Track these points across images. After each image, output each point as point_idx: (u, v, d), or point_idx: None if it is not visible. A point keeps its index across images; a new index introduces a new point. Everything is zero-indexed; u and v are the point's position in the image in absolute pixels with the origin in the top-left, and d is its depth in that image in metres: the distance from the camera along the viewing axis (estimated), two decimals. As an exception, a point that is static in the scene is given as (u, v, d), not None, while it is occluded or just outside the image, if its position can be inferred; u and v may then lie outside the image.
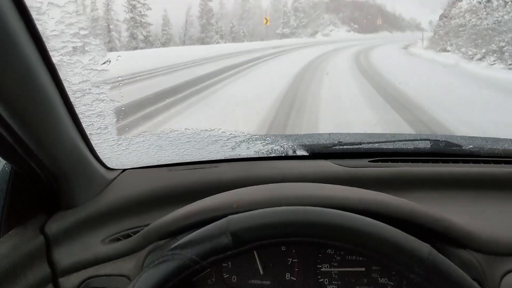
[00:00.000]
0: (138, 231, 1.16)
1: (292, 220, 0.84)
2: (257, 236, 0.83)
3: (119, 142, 1.39)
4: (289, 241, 0.83)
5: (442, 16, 22.39)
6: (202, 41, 45.45)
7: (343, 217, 0.84)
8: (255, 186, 1.10)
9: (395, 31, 63.13)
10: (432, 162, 1.44)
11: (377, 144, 1.58)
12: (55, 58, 0.90)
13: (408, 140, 1.63)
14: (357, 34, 57.77)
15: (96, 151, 1.25)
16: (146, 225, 1.14)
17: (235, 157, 1.48)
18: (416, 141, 1.63)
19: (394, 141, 1.63)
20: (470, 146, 1.51)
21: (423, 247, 0.80)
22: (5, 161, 1.10)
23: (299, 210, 0.86)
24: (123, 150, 1.41)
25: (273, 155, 1.49)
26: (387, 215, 0.95)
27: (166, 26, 42.06)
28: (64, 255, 1.13)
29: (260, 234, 0.83)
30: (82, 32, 0.95)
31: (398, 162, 1.44)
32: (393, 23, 66.13)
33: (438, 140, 1.60)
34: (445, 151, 1.52)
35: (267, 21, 54.54)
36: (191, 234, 0.87)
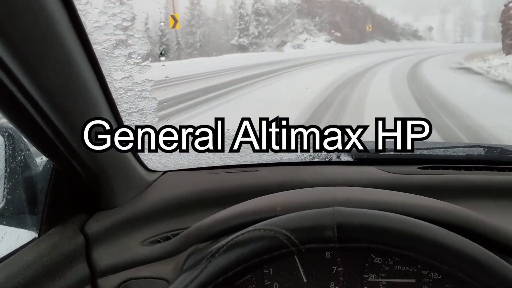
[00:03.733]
0: (178, 234, 1.14)
1: (410, 231, 0.77)
2: (366, 238, 0.77)
3: (160, 143, 1.38)
4: (394, 253, 0.76)
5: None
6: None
7: (462, 243, 0.78)
8: (298, 189, 1.06)
9: (387, 39, 52.55)
10: (486, 170, 1.36)
11: (425, 151, 1.51)
12: (98, 52, 0.89)
13: (459, 147, 1.55)
14: (340, 45, 44.58)
15: (137, 152, 1.24)
16: (186, 228, 1.12)
17: (277, 161, 1.44)
18: (468, 148, 1.54)
19: (444, 148, 1.55)
20: None
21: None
22: (47, 160, 1.10)
23: (422, 225, 0.79)
24: (164, 151, 1.40)
25: (315, 160, 1.44)
26: (448, 224, 0.88)
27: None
28: (103, 256, 1.11)
29: (370, 236, 0.77)
30: (125, 24, 0.93)
31: (449, 169, 1.37)
32: (385, 29, 54.01)
33: (493, 147, 1.52)
34: (500, 158, 1.44)
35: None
36: (291, 214, 0.82)
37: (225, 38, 43.49)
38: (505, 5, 21.65)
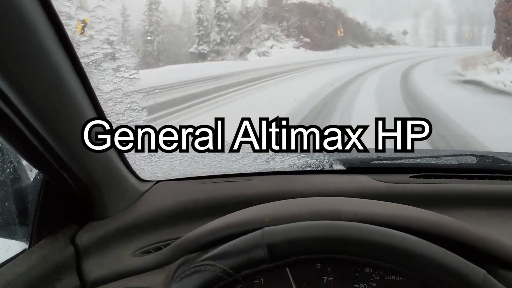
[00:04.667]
0: (169, 244, 1.14)
1: (336, 236, 0.79)
2: (295, 250, 0.78)
3: (152, 153, 1.38)
4: (329, 258, 0.79)
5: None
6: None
7: (394, 236, 0.79)
8: (287, 200, 1.06)
9: (360, 45, 48.34)
10: (478, 179, 1.37)
11: (418, 159, 1.51)
12: (86, 66, 0.89)
13: (451, 156, 1.55)
14: (310, 52, 40.32)
15: (129, 162, 1.24)
16: (177, 238, 1.12)
17: (270, 170, 1.45)
18: (460, 157, 1.55)
19: (436, 156, 1.55)
20: None
21: (477, 272, 0.76)
22: (37, 171, 1.10)
23: (344, 225, 0.81)
24: (156, 161, 1.40)
25: (308, 169, 1.45)
26: (434, 234, 0.89)
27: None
28: (94, 267, 1.11)
29: (299, 249, 0.79)
30: (112, 38, 0.94)
31: (441, 178, 1.37)
32: (357, 34, 49.83)
33: (484, 156, 1.52)
34: (492, 167, 1.45)
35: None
36: (225, 245, 0.84)
37: (188, 46, 38.66)
38: (507, 1, 20.14)
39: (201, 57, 36.51)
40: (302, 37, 43.86)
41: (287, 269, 1.04)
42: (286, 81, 16.75)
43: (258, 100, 11.49)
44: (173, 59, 36.92)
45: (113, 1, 0.91)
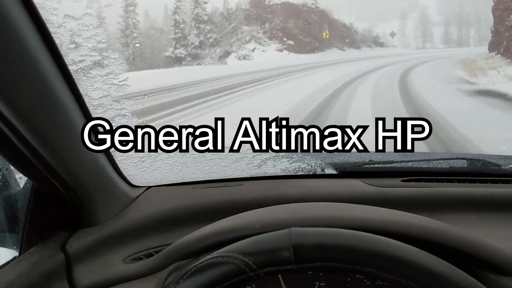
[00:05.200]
0: (160, 250, 1.13)
1: (367, 248, 0.78)
2: (323, 256, 0.77)
3: (143, 159, 1.38)
4: (355, 270, 0.77)
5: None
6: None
7: (427, 258, 0.78)
8: (279, 206, 1.06)
9: (347, 47, 45.27)
10: (469, 182, 1.37)
11: (409, 163, 1.52)
12: (74, 73, 0.89)
13: (442, 159, 1.56)
14: (294, 55, 37.91)
15: (120, 168, 1.24)
16: (169, 244, 1.11)
17: (261, 175, 1.45)
18: (451, 160, 1.55)
19: (427, 160, 1.56)
20: (510, 166, 1.43)
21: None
22: (26, 178, 1.09)
23: (377, 239, 0.80)
24: (147, 167, 1.40)
25: (300, 173, 1.45)
26: (425, 240, 0.89)
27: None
28: (85, 274, 1.11)
29: (328, 255, 0.77)
30: (101, 46, 0.94)
31: (432, 182, 1.38)
32: (344, 36, 46.52)
33: (475, 159, 1.53)
34: (483, 170, 1.45)
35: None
36: (249, 239, 0.83)
37: (166, 50, 36.40)
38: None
39: (178, 61, 34.74)
40: (285, 39, 41.62)
41: (279, 276, 1.04)
42: (261, 91, 14.08)
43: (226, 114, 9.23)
44: (149, 64, 34.28)
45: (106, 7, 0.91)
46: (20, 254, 1.05)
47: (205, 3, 37.26)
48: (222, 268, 0.78)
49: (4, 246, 1.09)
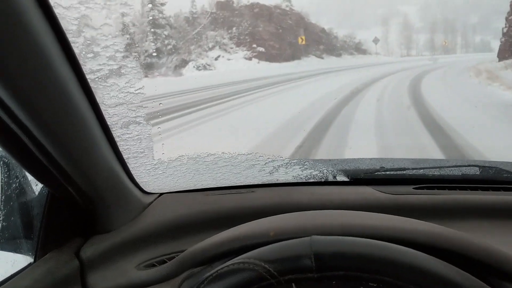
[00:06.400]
0: (174, 257, 1.13)
1: (390, 258, 0.78)
2: (345, 265, 0.77)
3: (156, 166, 1.39)
4: (375, 279, 0.77)
5: None
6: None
7: (447, 269, 0.78)
8: (293, 213, 1.06)
9: (326, 55, 40.51)
10: (482, 190, 1.36)
11: (421, 171, 1.52)
12: (91, 81, 0.90)
13: (454, 166, 1.55)
14: (265, 64, 33.11)
15: (133, 175, 1.25)
16: (182, 251, 1.11)
17: (273, 182, 1.45)
18: (464, 167, 1.54)
19: (439, 167, 1.55)
20: None
21: None
22: (42, 185, 1.10)
23: (400, 249, 0.80)
24: (160, 174, 1.41)
25: (312, 180, 1.45)
26: (442, 249, 0.89)
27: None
28: (99, 280, 1.11)
29: (350, 264, 0.77)
30: (118, 55, 0.95)
31: (445, 189, 1.37)
32: (322, 42, 41.59)
33: (488, 167, 1.52)
34: (495, 178, 1.44)
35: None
36: (270, 246, 0.83)
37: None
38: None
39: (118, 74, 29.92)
40: (255, 45, 36.20)
41: (292, 284, 1.04)
42: (208, 121, 9.62)
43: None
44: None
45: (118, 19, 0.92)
46: (35, 260, 1.07)
47: (162, 4, 32.22)
48: (244, 274, 0.78)
49: (20, 252, 1.10)
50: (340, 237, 0.82)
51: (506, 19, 20.83)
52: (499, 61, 20.65)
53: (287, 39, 38.61)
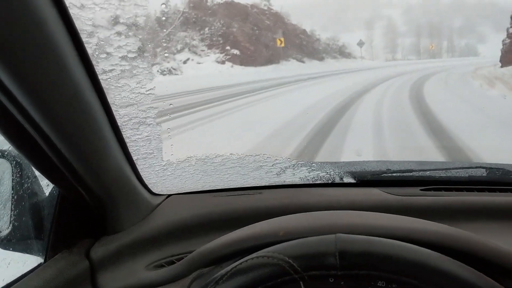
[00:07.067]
0: (182, 258, 1.14)
1: (413, 260, 0.78)
2: (369, 264, 0.77)
3: (165, 167, 1.39)
4: (399, 280, 0.77)
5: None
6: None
7: (469, 272, 0.78)
8: (303, 213, 1.06)
9: (308, 58, 36.95)
10: (489, 191, 1.36)
11: (428, 172, 1.52)
12: (103, 82, 0.91)
13: (461, 168, 1.55)
14: (239, 68, 30.07)
15: (142, 176, 1.25)
16: (191, 252, 1.12)
17: (280, 183, 1.45)
18: (470, 169, 1.54)
19: (446, 169, 1.55)
20: None
21: None
22: (53, 186, 1.11)
23: (423, 252, 0.80)
24: (168, 175, 1.41)
25: (319, 182, 1.45)
26: (455, 249, 0.89)
27: None
28: (109, 281, 1.12)
29: (374, 263, 0.77)
30: (130, 55, 0.96)
31: (452, 191, 1.37)
32: (303, 45, 38.24)
33: (494, 168, 1.52)
34: (502, 179, 1.44)
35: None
36: (294, 241, 0.83)
37: None
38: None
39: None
40: (228, 48, 32.56)
41: (301, 283, 1.04)
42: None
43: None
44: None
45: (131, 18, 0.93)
46: (45, 260, 1.07)
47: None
48: (267, 268, 0.78)
49: (30, 253, 1.10)
50: (366, 237, 0.82)
51: (512, 18, 19.14)
52: (502, 66, 18.72)
53: (264, 41, 35.07)
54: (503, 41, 19.81)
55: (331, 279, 1.02)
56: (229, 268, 0.83)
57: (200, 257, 1.06)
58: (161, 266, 1.17)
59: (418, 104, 10.62)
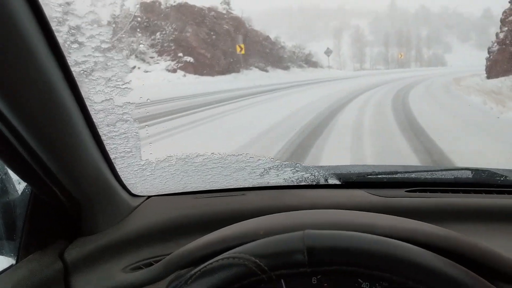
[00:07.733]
0: (160, 260, 1.11)
1: (385, 252, 0.76)
2: (338, 260, 0.75)
3: (144, 167, 1.36)
4: (372, 275, 0.75)
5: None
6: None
7: (441, 262, 0.77)
8: (283, 213, 1.04)
9: (271, 67, 34.22)
10: (474, 193, 1.36)
11: (413, 174, 1.51)
12: (76, 74, 0.87)
13: (446, 170, 1.55)
14: (193, 77, 27.77)
15: (121, 177, 1.22)
16: (169, 254, 1.09)
17: (264, 184, 1.43)
18: (456, 171, 1.54)
19: (431, 171, 1.55)
20: None
21: None
22: (25, 184, 1.07)
23: (394, 243, 0.78)
24: (147, 175, 1.38)
25: (303, 183, 1.43)
26: (443, 249, 0.87)
27: None
28: (83, 283, 1.08)
29: (343, 259, 0.75)
30: (104, 46, 0.93)
31: (437, 192, 1.36)
32: (266, 52, 35.43)
33: (480, 170, 1.51)
34: (488, 181, 1.44)
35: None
36: (261, 240, 0.81)
37: None
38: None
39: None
40: (181, 54, 29.28)
41: (282, 281, 1.02)
42: None
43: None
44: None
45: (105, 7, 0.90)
46: (17, 261, 1.03)
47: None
48: (233, 269, 0.76)
49: (1, 253, 1.07)
50: (334, 231, 0.80)
51: (502, 21, 17.02)
52: (489, 77, 16.69)
53: (222, 47, 31.69)
54: (489, 48, 18.27)
55: (314, 281, 1.00)
56: (197, 269, 0.80)
57: (178, 258, 1.03)
58: (139, 268, 1.14)
59: (410, 122, 8.62)
